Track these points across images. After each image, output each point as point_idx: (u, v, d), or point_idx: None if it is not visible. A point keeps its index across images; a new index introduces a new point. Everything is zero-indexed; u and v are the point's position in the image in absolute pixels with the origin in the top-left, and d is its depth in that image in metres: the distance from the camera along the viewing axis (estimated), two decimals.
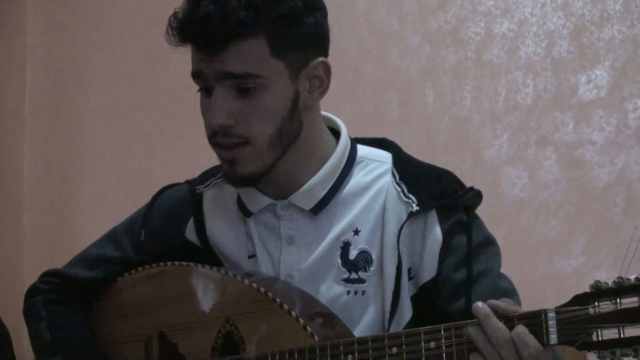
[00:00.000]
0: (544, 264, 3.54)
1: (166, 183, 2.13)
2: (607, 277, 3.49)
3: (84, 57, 4.03)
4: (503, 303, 1.58)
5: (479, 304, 1.57)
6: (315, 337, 1.72)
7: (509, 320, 1.55)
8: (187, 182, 2.06)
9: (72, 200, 3.99)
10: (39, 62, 4.01)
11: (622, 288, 1.47)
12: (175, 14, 1.79)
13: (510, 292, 1.81)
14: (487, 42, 3.69)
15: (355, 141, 1.97)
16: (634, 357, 1.46)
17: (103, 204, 3.94)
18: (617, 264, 3.49)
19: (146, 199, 2.13)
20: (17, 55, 3.93)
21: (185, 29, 1.77)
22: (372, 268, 1.85)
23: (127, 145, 3.96)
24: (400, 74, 3.75)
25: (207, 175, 2.03)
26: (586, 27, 3.62)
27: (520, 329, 1.53)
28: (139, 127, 3.95)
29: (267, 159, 1.82)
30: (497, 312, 1.57)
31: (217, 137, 1.80)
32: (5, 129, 3.84)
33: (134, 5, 4.01)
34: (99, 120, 3.98)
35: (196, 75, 1.81)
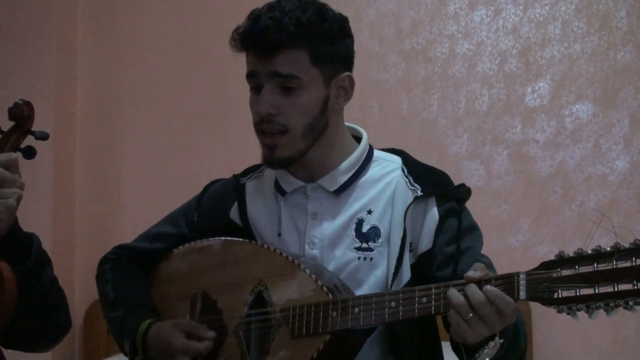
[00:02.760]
0: (497, 239, 3.57)
1: (201, 180, 2.14)
2: (548, 251, 3.54)
3: (127, 66, 3.99)
4: (479, 272, 1.58)
5: (469, 273, 1.58)
6: (330, 295, 1.73)
7: (488, 280, 1.56)
8: (233, 176, 2.07)
9: (116, 190, 3.96)
10: (87, 70, 3.95)
11: (580, 257, 1.48)
12: (237, 29, 1.83)
13: (488, 266, 1.79)
14: (451, 60, 3.70)
15: (372, 147, 1.99)
16: (585, 312, 1.48)
17: (142, 194, 3.91)
18: (556, 239, 3.54)
19: (183, 193, 2.14)
20: (69, 65, 3.88)
21: (246, 37, 1.80)
22: (380, 240, 1.85)
23: (163, 144, 3.93)
24: (380, 85, 3.75)
25: (249, 171, 2.05)
26: (531, 47, 3.64)
27: (490, 288, 1.54)
28: (173, 130, 3.91)
29: (300, 146, 1.83)
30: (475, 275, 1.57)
31: (263, 123, 1.82)
32: (60, 130, 3.82)
33: (168, 28, 3.98)
34: (140, 123, 3.95)
35: (250, 75, 1.84)
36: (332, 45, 1.81)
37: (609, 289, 1.45)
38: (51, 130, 3.63)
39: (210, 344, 1.84)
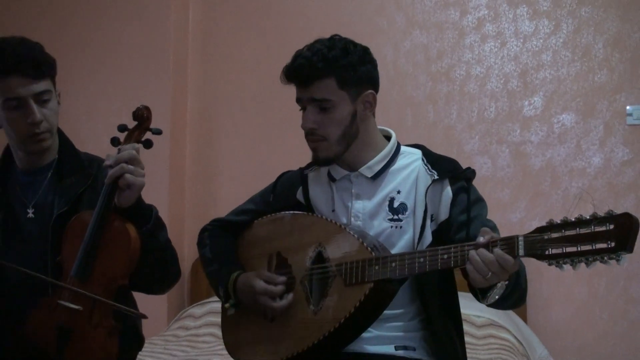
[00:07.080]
0: (500, 217, 3.56)
1: (279, 168, 2.17)
2: (538, 224, 3.50)
3: (226, 79, 4.00)
4: (487, 236, 1.60)
5: (480, 238, 1.60)
6: (373, 253, 1.75)
7: (494, 242, 1.56)
8: (299, 168, 2.08)
9: (215, 175, 4.01)
10: (195, 82, 3.99)
11: (566, 223, 1.48)
12: (284, 67, 1.87)
13: (493, 229, 1.80)
14: (467, 80, 3.69)
15: (399, 144, 1.99)
16: (570, 265, 1.47)
17: (235, 177, 3.96)
18: (545, 217, 3.48)
19: (264, 178, 2.16)
20: (182, 78, 3.92)
21: (288, 74, 1.85)
22: (407, 213, 1.86)
23: (252, 140, 3.96)
24: (413, 99, 3.75)
25: (310, 164, 2.04)
26: (528, 71, 3.63)
27: (499, 251, 1.55)
28: (260, 129, 3.94)
29: (337, 149, 1.85)
30: (484, 241, 1.58)
31: (308, 135, 1.86)
32: (174, 128, 3.83)
33: (256, 49, 4.00)
34: (235, 123, 3.99)
35: (297, 100, 1.88)
36: (355, 71, 1.82)
37: (588, 247, 1.45)
38: (167, 127, 3.70)
39: (283, 288, 1.86)
